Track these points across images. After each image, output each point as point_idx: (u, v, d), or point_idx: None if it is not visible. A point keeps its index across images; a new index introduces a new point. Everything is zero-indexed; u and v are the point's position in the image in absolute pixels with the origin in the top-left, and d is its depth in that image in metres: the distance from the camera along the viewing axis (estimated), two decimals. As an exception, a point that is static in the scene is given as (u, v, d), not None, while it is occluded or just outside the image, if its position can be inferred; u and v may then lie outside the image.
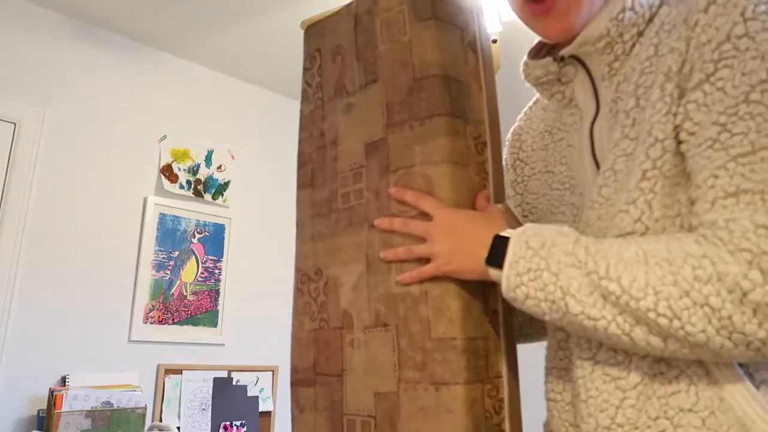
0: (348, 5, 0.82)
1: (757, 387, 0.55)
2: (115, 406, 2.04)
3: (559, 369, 0.73)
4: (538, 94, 0.82)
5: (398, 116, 0.73)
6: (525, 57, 0.76)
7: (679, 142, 0.56)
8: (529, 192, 0.81)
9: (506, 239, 0.61)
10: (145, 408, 2.10)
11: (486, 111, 0.74)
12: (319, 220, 0.82)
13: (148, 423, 2.23)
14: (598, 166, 0.66)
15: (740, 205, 0.50)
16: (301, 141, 0.87)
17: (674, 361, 0.57)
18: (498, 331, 0.70)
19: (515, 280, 0.59)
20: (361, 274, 0.74)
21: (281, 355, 2.79)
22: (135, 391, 2.15)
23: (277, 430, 2.63)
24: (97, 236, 2.34)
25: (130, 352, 2.33)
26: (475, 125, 0.72)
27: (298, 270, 0.84)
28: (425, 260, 0.68)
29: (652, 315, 0.51)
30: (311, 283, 0.81)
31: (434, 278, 0.68)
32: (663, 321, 0.51)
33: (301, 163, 0.86)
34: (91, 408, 1.99)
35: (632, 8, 0.63)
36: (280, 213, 2.97)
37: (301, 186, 0.86)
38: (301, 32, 2.71)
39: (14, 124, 2.20)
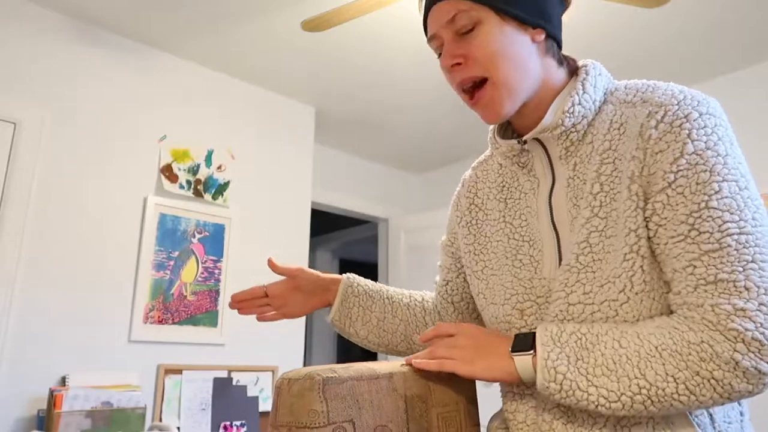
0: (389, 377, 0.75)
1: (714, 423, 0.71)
2: (115, 406, 2.04)
3: (515, 393, 0.81)
4: (488, 150, 0.97)
5: None
6: (493, 129, 0.90)
7: (649, 230, 0.71)
8: (482, 234, 0.92)
9: (527, 335, 0.73)
10: (145, 408, 2.09)
11: None
12: None
13: (148, 423, 2.23)
14: (554, 228, 0.80)
15: (718, 291, 0.64)
16: None
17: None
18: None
19: (551, 399, 0.69)
20: None
21: (281, 355, 2.79)
22: (135, 391, 2.15)
23: (277, 430, 2.63)
24: (97, 236, 2.34)
25: (130, 352, 2.33)
26: None
27: None
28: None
29: (675, 396, 0.64)
30: None
31: None
32: (683, 398, 0.64)
33: None
34: (91, 408, 1.99)
35: (580, 103, 0.77)
36: (279, 213, 2.97)
37: None
38: (302, 32, 2.71)
39: (14, 124, 2.20)
